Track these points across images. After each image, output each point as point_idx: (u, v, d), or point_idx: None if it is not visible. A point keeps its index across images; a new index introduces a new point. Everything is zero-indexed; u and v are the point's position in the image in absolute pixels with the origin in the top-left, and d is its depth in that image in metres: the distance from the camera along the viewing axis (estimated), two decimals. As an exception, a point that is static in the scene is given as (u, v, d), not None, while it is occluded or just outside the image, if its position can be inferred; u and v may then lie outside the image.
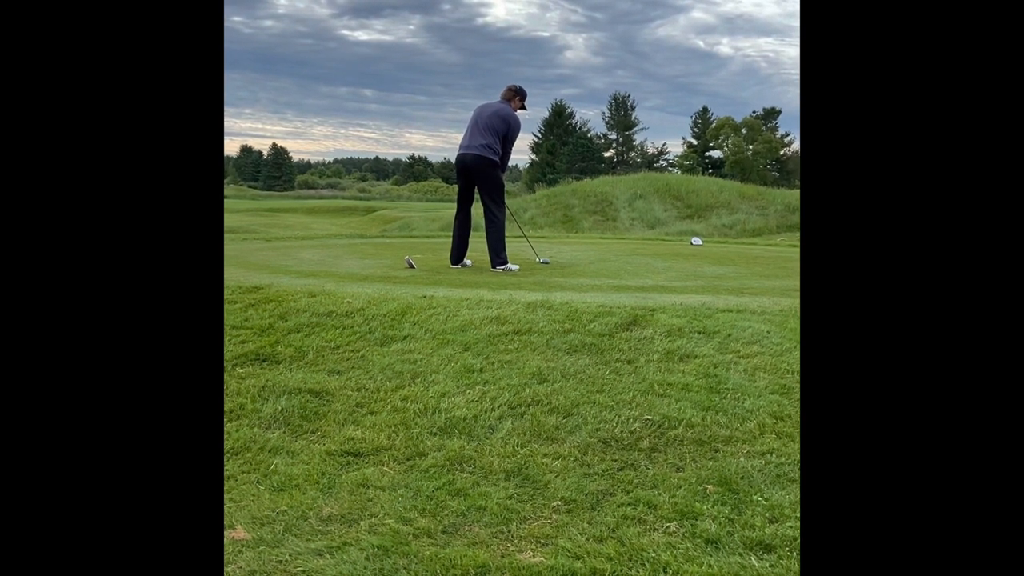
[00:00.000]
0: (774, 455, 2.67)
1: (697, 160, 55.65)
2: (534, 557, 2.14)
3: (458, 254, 6.30)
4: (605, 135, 58.16)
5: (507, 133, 6.03)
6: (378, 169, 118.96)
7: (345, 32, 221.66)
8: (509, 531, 2.28)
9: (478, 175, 6.07)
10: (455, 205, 6.39)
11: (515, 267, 6.09)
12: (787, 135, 54.66)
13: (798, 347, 3.22)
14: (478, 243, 6.72)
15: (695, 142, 58.08)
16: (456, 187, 6.32)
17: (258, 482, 2.62)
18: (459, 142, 6.22)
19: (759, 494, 2.44)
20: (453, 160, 6.39)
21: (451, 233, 6.50)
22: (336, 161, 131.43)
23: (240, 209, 35.15)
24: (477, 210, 6.35)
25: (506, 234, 6.19)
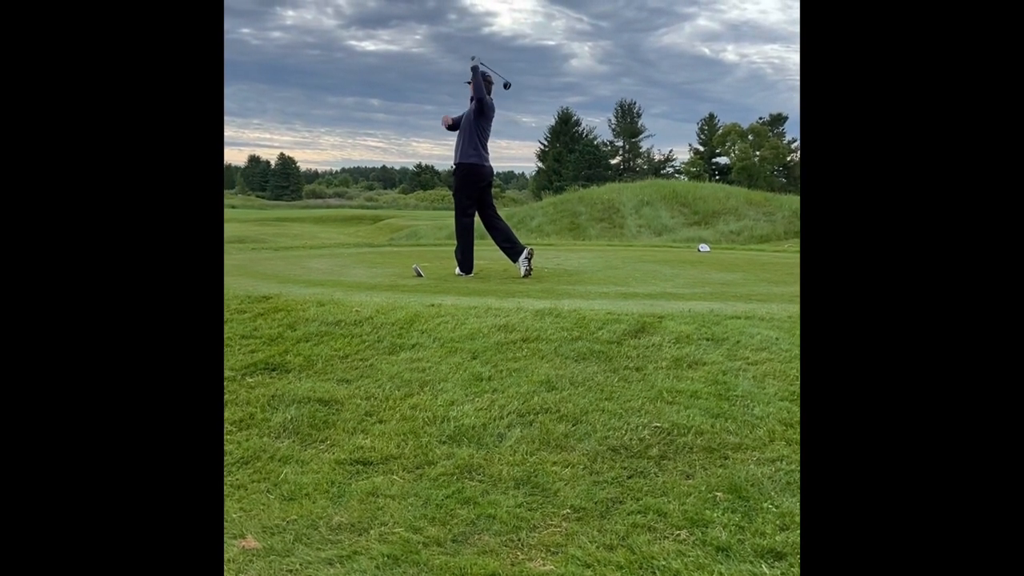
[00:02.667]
0: (784, 462, 2.66)
1: (704, 167, 55.55)
2: (544, 565, 2.13)
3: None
4: (611, 142, 58.13)
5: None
6: (385, 178, 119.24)
7: (352, 42, 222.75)
8: (519, 539, 2.28)
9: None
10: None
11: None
12: (794, 141, 54.44)
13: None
14: (484, 251, 6.74)
15: (702, 149, 57.95)
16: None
17: (268, 491, 2.63)
18: None
19: (769, 501, 2.43)
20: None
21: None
22: (343, 170, 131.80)
23: (248, 219, 35.30)
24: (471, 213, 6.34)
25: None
